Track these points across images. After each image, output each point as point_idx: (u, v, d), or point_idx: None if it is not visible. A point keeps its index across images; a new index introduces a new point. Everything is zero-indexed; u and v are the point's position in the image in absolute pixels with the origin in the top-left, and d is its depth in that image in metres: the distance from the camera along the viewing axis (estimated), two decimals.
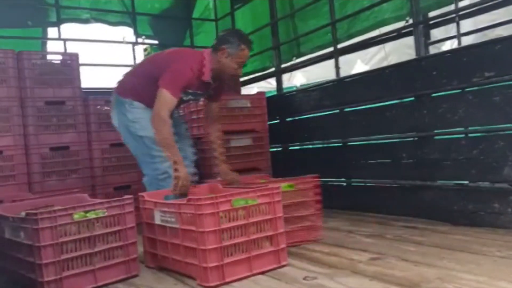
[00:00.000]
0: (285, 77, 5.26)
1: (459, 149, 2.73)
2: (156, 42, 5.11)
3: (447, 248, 2.22)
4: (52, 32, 4.36)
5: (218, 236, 1.91)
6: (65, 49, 4.22)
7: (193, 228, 1.94)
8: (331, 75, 3.92)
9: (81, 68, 3.56)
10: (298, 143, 4.18)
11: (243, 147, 3.89)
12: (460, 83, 2.71)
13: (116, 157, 3.62)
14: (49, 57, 3.53)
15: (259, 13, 4.75)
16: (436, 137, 2.93)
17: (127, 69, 4.44)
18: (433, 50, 3.68)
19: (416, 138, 3.06)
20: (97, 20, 4.64)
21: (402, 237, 2.54)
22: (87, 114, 3.52)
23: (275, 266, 2.07)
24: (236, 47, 2.64)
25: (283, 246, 2.10)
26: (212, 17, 5.33)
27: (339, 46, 3.74)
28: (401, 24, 3.35)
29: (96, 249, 1.98)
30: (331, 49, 3.81)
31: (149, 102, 2.57)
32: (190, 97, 2.76)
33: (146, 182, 2.73)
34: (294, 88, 5.52)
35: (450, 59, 2.83)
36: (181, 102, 2.74)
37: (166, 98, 2.49)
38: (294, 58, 4.36)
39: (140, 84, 2.69)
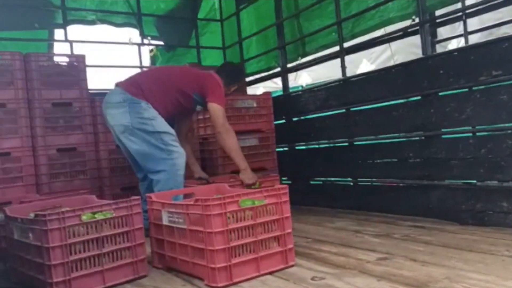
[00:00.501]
0: (291, 77, 5.26)
1: (467, 148, 2.71)
2: (161, 43, 5.12)
3: (455, 248, 2.21)
4: (58, 33, 4.38)
5: (226, 236, 1.91)
6: (72, 51, 4.24)
7: (201, 228, 1.94)
8: (337, 75, 3.92)
9: (88, 70, 3.57)
10: (304, 143, 4.18)
11: (249, 147, 3.89)
12: (467, 82, 2.70)
13: (123, 158, 3.60)
14: (56, 58, 3.55)
15: (264, 13, 4.75)
16: (444, 136, 2.92)
17: (134, 70, 4.54)
18: (439, 49, 3.68)
19: (423, 138, 3.04)
20: (103, 21, 4.66)
21: (409, 236, 2.53)
22: (93, 115, 3.53)
23: (282, 266, 2.07)
24: (236, 84, 3.17)
25: (290, 246, 2.10)
26: (218, 17, 5.34)
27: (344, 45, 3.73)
28: (406, 23, 3.33)
29: (104, 250, 1.99)
30: (336, 48, 3.80)
31: (158, 106, 2.85)
32: (200, 107, 3.12)
33: (162, 178, 2.79)
34: (300, 88, 5.52)
35: (457, 58, 2.82)
36: (192, 111, 3.21)
37: (222, 111, 2.87)
38: (300, 58, 4.36)
39: (157, 91, 2.89)
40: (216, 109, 2.85)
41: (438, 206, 2.90)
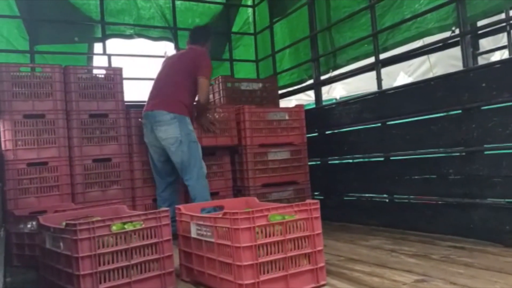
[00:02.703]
0: (324, 89, 5.19)
1: (511, 165, 2.55)
2: None
3: (499, 272, 2.06)
4: (97, 47, 4.51)
5: (254, 252, 1.86)
6: (110, 64, 4.35)
7: (229, 242, 1.90)
8: (372, 88, 3.82)
9: (124, 82, 3.65)
10: (337, 157, 4.09)
11: (280, 160, 3.85)
12: (511, 96, 2.55)
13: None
14: (94, 71, 3.65)
15: (295, 26, 4.74)
16: (486, 152, 2.77)
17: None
18: (481, 61, 3.52)
19: (464, 153, 2.90)
20: (140, 35, 4.78)
21: (449, 258, 2.39)
22: (128, 126, 3.59)
23: (313, 285, 1.99)
24: (209, 43, 3.71)
25: (321, 264, 2.02)
26: (251, 31, 5.37)
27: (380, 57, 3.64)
28: (446, 34, 3.21)
29: (133, 262, 1.98)
30: (372, 60, 3.71)
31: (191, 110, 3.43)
32: None
33: (196, 184, 3.24)
34: (334, 101, 5.43)
35: (501, 70, 2.68)
36: None
37: (208, 84, 3.43)
38: (331, 70, 4.30)
39: (188, 99, 3.38)
40: (204, 83, 3.32)
41: (480, 226, 2.74)
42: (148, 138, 3.38)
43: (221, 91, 4.26)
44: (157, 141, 3.31)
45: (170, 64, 3.52)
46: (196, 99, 3.42)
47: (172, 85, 3.35)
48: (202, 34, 3.63)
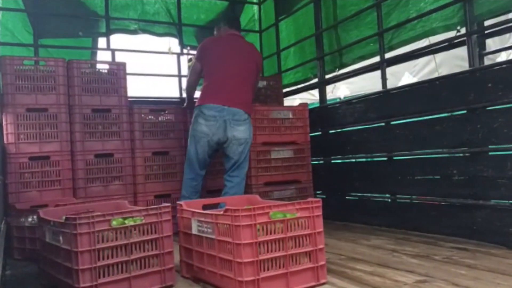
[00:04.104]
0: (329, 89, 5.16)
1: None
2: None
3: (502, 274, 2.04)
4: (101, 42, 4.50)
5: (255, 249, 1.85)
6: (113, 59, 4.34)
7: (229, 239, 1.89)
8: (376, 87, 3.79)
9: (127, 77, 3.64)
10: (340, 156, 4.06)
11: (283, 158, 3.83)
12: None
13: (158, 165, 3.66)
14: (97, 66, 3.64)
15: (300, 24, 4.71)
16: (491, 153, 2.74)
17: (172, 79, 4.61)
18: (487, 61, 3.48)
19: (468, 154, 2.87)
20: (144, 31, 4.76)
21: (451, 259, 2.37)
22: (131, 122, 3.59)
23: (313, 284, 1.98)
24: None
25: (322, 263, 2.01)
26: (257, 28, 5.34)
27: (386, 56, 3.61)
28: (451, 34, 3.18)
29: (133, 257, 1.97)
30: (377, 59, 3.68)
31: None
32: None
33: (241, 178, 3.25)
34: (338, 100, 5.41)
35: (507, 71, 2.65)
36: None
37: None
38: (337, 69, 4.27)
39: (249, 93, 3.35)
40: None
41: (483, 227, 2.71)
42: (212, 131, 3.13)
43: None
44: (223, 137, 3.15)
45: (241, 59, 3.35)
46: None
47: (246, 84, 3.30)
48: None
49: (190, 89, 3.53)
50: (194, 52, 5.09)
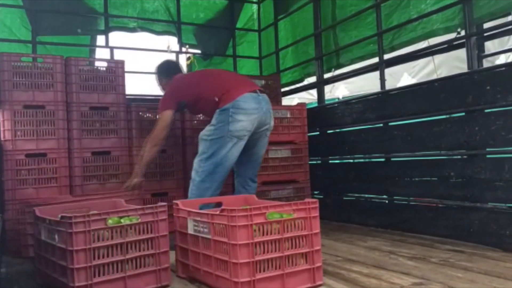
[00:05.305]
0: (327, 89, 5.16)
1: None
2: (199, 51, 5.16)
3: (498, 277, 2.04)
4: (100, 39, 4.49)
5: (251, 249, 1.84)
6: (112, 56, 4.32)
7: (225, 240, 1.88)
8: (375, 88, 3.79)
9: (126, 75, 3.62)
10: (338, 157, 4.06)
11: (281, 158, 3.82)
12: None
13: (155, 164, 3.64)
14: (95, 63, 3.62)
15: (300, 24, 4.71)
16: (488, 156, 2.74)
17: None
18: (486, 64, 3.48)
19: (465, 156, 2.87)
20: (143, 29, 4.74)
21: (448, 261, 2.37)
22: (129, 120, 3.57)
23: (309, 285, 1.97)
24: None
25: (318, 264, 2.00)
26: (256, 27, 5.33)
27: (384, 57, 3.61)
28: (451, 35, 3.18)
29: (128, 256, 1.96)
30: (375, 60, 3.68)
31: None
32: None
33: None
34: (336, 100, 5.40)
35: (506, 73, 2.64)
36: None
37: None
38: (333, 69, 4.27)
39: None
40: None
41: (480, 230, 2.71)
42: (254, 125, 2.83)
43: None
44: (259, 128, 2.89)
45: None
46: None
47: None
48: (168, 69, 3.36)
49: (154, 149, 3.00)
50: (193, 50, 5.12)
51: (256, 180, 3.08)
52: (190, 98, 2.99)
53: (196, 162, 2.84)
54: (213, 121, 2.81)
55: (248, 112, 2.78)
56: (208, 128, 2.83)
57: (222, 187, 2.86)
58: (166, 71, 3.31)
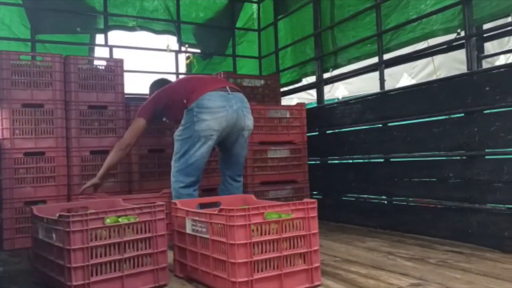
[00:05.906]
0: (326, 89, 5.15)
1: None
2: (198, 51, 5.16)
3: (496, 278, 2.03)
4: (99, 38, 4.48)
5: (249, 249, 1.83)
6: (111, 55, 4.32)
7: (223, 239, 1.87)
8: (374, 88, 3.78)
9: (125, 74, 3.61)
10: (337, 157, 4.06)
11: (280, 158, 3.82)
12: None
13: (154, 163, 3.64)
14: (94, 62, 3.62)
15: (299, 24, 4.70)
16: (487, 157, 2.74)
17: (170, 76, 4.58)
18: (485, 65, 3.48)
19: (465, 157, 2.87)
20: (143, 28, 4.73)
21: (446, 262, 2.36)
22: (127, 119, 3.56)
23: (307, 285, 1.96)
24: None
25: (317, 264, 2.00)
26: (255, 27, 5.33)
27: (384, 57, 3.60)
28: (451, 36, 3.17)
29: (126, 255, 1.95)
30: (375, 60, 3.67)
31: None
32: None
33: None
34: (336, 100, 5.40)
35: (505, 74, 2.64)
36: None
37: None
38: (331, 69, 4.27)
39: None
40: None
41: (479, 231, 2.71)
42: (222, 125, 2.75)
43: None
44: (233, 128, 2.83)
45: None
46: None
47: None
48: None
49: (119, 153, 2.97)
50: (192, 50, 5.11)
51: (239, 179, 3.03)
52: (164, 103, 2.96)
53: (172, 161, 2.87)
54: (182, 121, 2.81)
55: (213, 111, 2.71)
56: (179, 128, 2.83)
57: (198, 185, 2.86)
58: (157, 85, 3.27)
